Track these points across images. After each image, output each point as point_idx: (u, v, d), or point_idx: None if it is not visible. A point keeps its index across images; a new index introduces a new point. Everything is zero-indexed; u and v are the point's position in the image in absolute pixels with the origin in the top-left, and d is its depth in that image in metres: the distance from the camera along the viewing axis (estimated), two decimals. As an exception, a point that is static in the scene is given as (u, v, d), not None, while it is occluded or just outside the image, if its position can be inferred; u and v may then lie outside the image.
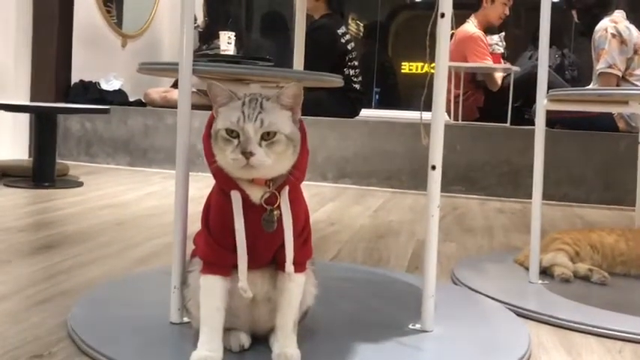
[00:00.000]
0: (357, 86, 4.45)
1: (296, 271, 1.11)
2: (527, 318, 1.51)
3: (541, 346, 1.35)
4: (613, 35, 3.80)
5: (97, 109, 3.67)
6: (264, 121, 1.03)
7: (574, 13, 4.28)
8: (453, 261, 2.06)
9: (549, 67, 5.58)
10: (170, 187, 3.49)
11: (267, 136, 1.03)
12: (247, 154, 1.02)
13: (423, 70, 7.11)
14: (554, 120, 4.15)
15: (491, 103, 4.85)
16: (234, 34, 4.63)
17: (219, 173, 1.08)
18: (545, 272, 1.85)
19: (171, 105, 4.66)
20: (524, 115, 4.93)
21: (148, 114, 4.35)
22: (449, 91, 4.70)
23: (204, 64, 1.29)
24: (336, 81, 1.47)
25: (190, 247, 1.24)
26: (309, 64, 1.86)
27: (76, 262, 1.82)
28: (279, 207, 1.07)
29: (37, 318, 1.34)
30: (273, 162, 1.03)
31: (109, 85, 4.80)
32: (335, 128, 3.98)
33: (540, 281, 1.79)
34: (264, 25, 6.80)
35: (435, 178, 1.32)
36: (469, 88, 4.84)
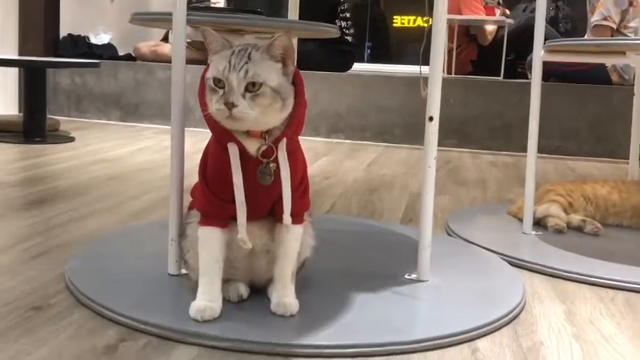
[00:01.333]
0: (350, 38, 4.40)
1: (294, 222, 1.11)
2: (521, 268, 1.53)
3: (535, 294, 1.37)
4: None
5: (86, 63, 3.61)
6: (248, 71, 1.01)
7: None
8: (446, 213, 2.07)
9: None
10: (162, 141, 3.47)
11: (252, 88, 1.01)
12: (229, 105, 1.00)
13: (415, 24, 7.03)
14: (548, 73, 4.13)
15: (484, 56, 4.82)
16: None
17: (214, 125, 1.07)
18: (539, 223, 1.87)
19: (162, 59, 4.60)
20: (517, 68, 4.91)
21: (138, 68, 4.30)
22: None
23: (198, 14, 1.26)
24: (332, 32, 1.45)
25: (187, 199, 1.24)
26: (301, 15, 1.83)
27: (71, 216, 1.82)
28: (275, 160, 1.07)
29: (34, 271, 1.34)
30: (257, 114, 1.01)
31: (98, 39, 4.72)
32: (328, 82, 3.94)
33: (534, 232, 1.81)
34: (255, -22, 6.66)
35: (432, 129, 1.31)
36: (462, 41, 4.80)
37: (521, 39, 4.51)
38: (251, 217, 1.09)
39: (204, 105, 1.06)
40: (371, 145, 3.79)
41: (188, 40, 4.66)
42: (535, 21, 1.67)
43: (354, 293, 1.25)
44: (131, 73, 4.27)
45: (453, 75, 4.56)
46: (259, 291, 1.20)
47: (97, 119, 4.31)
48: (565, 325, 1.21)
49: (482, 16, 4.59)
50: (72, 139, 3.35)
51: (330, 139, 3.83)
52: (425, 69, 1.33)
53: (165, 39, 4.95)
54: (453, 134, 3.83)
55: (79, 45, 4.57)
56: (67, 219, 1.78)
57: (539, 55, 1.70)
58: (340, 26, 4.26)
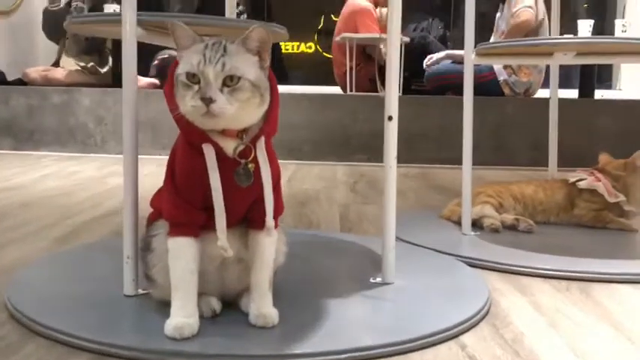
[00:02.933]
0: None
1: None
2: (473, 266, 1.54)
3: (496, 290, 1.38)
4: None
5: (-26, 88, 3.36)
6: (225, 64, 0.96)
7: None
8: (378, 221, 2.07)
9: (434, 38, 5.69)
10: (65, 168, 3.27)
11: (230, 82, 0.96)
12: (207, 100, 0.94)
13: (299, 50, 7.14)
14: (445, 87, 4.30)
15: (381, 74, 4.93)
16: (119, 6, 4.39)
17: (185, 125, 1.00)
18: (475, 224, 1.90)
19: (53, 84, 4.39)
20: (410, 85, 5.07)
21: (31, 93, 4.05)
22: (343, 64, 4.73)
23: (150, 14, 1.18)
24: (283, 34, 1.41)
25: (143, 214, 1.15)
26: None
27: (-11, 245, 1.66)
28: (253, 160, 1.02)
29: (-33, 303, 1.20)
30: (236, 110, 0.96)
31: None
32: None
33: (473, 232, 1.84)
34: None
35: (392, 128, 1.31)
36: (360, 60, 4.89)
37: (412, 57, 4.67)
38: (226, 224, 1.03)
39: (173, 105, 0.99)
40: (282, 163, 3.74)
41: (82, 64, 4.43)
42: (465, 23, 1.72)
43: (326, 300, 1.20)
44: (23, 99, 4.01)
45: (354, 92, 4.62)
46: (230, 305, 1.13)
47: (-13, 149, 4.01)
48: (536, 315, 1.23)
49: (378, 35, 4.70)
50: (-36, 170, 3.09)
51: (240, 159, 3.76)
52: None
53: (56, 64, 4.72)
54: (363, 150, 3.88)
55: (-37, 71, 4.26)
56: (-14, 249, 1.62)
57: (470, 58, 1.75)
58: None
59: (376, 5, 4.86)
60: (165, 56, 4.62)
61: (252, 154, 1.01)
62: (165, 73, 3.89)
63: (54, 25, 4.55)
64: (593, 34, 3.72)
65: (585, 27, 3.36)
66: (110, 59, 4.68)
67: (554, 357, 1.03)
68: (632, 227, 1.94)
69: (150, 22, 1.16)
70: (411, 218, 2.11)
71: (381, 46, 4.70)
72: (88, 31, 1.59)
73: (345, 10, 4.82)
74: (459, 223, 1.97)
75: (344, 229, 1.98)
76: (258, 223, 1.06)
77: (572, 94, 4.54)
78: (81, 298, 1.19)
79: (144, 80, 4.45)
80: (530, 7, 3.96)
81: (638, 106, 4.21)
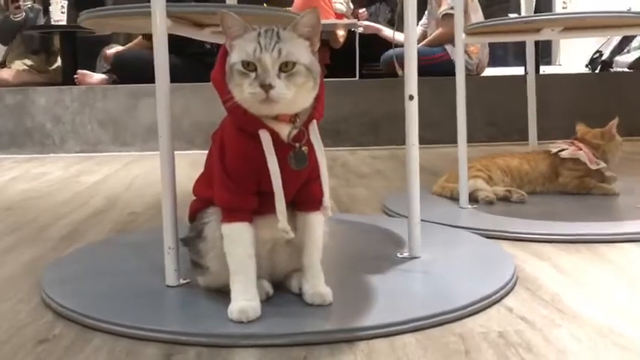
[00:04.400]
0: (209, 46, 4.33)
1: (316, 209, 1.09)
2: (484, 237, 1.60)
3: (515, 257, 1.44)
4: None
5: None
6: (282, 50, 0.97)
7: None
8: (373, 201, 2.13)
9: (383, 21, 5.75)
10: (31, 169, 3.18)
11: (286, 67, 0.98)
12: (266, 87, 0.96)
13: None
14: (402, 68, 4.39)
15: (336, 59, 4.97)
16: (66, 2, 4.29)
17: (241, 114, 1.01)
18: (469, 197, 1.97)
19: (1, 85, 4.24)
20: (362, 69, 5.14)
21: (-20, 95, 3.90)
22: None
23: (180, 5, 1.18)
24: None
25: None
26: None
27: (-6, 250, 1.62)
28: (306, 143, 1.04)
29: (4, 306, 1.18)
30: (293, 95, 0.98)
31: None
32: (198, 94, 3.86)
33: (470, 206, 1.91)
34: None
35: (413, 107, 1.35)
36: (315, 46, 4.90)
37: (364, 42, 4.73)
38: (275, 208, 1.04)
39: (227, 94, 1.00)
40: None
41: (29, 64, 4.30)
42: (455, 3, 1.77)
43: (365, 276, 1.24)
44: (-27, 102, 3.86)
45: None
46: (276, 286, 1.15)
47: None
48: (561, 277, 1.29)
49: (335, 20, 4.74)
50: None
51: (206, 151, 3.73)
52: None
53: (2, 64, 4.56)
54: (327, 135, 3.90)
55: None
56: (-8, 253, 1.58)
57: (460, 37, 1.80)
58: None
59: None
60: (120, 49, 4.54)
61: (305, 138, 1.03)
62: (122, 68, 3.85)
63: (10, 31, 4.46)
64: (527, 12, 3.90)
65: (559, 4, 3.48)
66: (59, 58, 4.57)
67: (595, 312, 1.09)
68: (615, 191, 2.05)
69: (181, 13, 1.15)
70: (405, 196, 2.15)
71: (339, 32, 4.74)
72: (104, 26, 1.55)
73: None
74: (451, 198, 2.04)
75: (342, 211, 2.01)
76: (309, 205, 1.09)
77: (519, 71, 4.72)
78: (125, 292, 1.18)
79: (97, 77, 4.35)
80: (452, 7, 4.12)
81: (579, 79, 4.42)
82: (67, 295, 1.16)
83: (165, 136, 1.20)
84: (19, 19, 4.41)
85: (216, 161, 1.06)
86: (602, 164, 2.07)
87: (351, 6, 4.97)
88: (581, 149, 2.09)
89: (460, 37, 1.79)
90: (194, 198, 1.16)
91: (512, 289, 1.21)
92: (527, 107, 2.27)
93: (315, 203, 1.09)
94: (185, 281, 1.20)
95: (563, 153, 2.10)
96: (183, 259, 1.21)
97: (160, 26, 1.13)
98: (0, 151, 3.82)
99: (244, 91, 0.97)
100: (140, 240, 1.60)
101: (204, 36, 1.38)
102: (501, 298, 1.16)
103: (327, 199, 1.06)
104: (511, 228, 1.61)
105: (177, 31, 1.25)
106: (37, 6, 4.42)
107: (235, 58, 0.99)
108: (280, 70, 0.97)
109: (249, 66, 0.97)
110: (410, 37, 1.33)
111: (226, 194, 1.05)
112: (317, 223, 1.09)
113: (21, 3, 4.36)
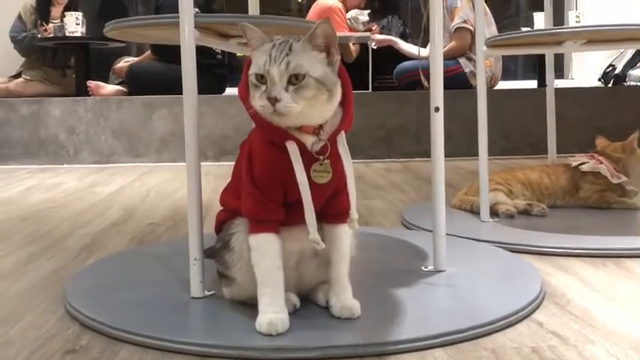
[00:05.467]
0: (220, 57, 4.35)
1: (343, 221, 1.08)
2: (509, 250, 1.58)
3: (541, 271, 1.42)
4: None
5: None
6: (290, 63, 0.96)
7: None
8: (391, 213, 2.12)
9: (395, 35, 5.77)
10: (45, 180, 3.18)
11: (295, 80, 0.97)
12: (272, 100, 0.95)
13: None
14: (413, 83, 4.38)
15: (349, 72, 4.98)
16: (81, 14, 4.31)
17: (265, 124, 1.00)
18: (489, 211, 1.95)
19: (15, 95, 4.28)
20: (374, 82, 5.16)
21: (-3, 106, 3.92)
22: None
23: (207, 15, 1.18)
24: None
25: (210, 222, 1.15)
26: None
27: (13, 261, 1.61)
28: (330, 156, 1.03)
29: (31, 316, 1.17)
30: (302, 108, 0.97)
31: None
32: (209, 105, 3.86)
33: (491, 219, 1.89)
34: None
35: (439, 119, 1.34)
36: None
37: (378, 56, 4.75)
38: (301, 219, 1.03)
39: (249, 105, 1.00)
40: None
41: (44, 75, 4.31)
42: (476, 15, 1.76)
43: (391, 289, 1.23)
44: (-12, 112, 3.88)
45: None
46: (302, 299, 1.14)
47: (-48, 165, 3.86)
48: (590, 291, 1.28)
49: (346, 33, 4.75)
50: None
51: (220, 163, 3.73)
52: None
53: (16, 76, 4.59)
54: (341, 147, 3.90)
55: None
56: (12, 265, 1.57)
57: (482, 50, 1.80)
58: (214, 50, 4.20)
59: (345, 7, 4.92)
60: (133, 60, 4.57)
61: (329, 151, 1.02)
62: (136, 80, 3.88)
63: (33, 47, 4.50)
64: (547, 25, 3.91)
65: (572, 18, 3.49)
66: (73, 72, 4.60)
67: (629, 327, 1.07)
68: (636, 205, 2.03)
69: (208, 23, 1.15)
70: (424, 209, 2.13)
71: (351, 45, 4.76)
72: (130, 37, 1.55)
73: (313, 10, 4.84)
74: (470, 211, 2.02)
75: (361, 224, 1.99)
76: (336, 217, 1.08)
77: (529, 84, 4.71)
78: (150, 303, 1.17)
79: (110, 88, 4.37)
80: (465, 21, 4.17)
81: (593, 93, 4.40)
82: (92, 306, 1.15)
83: (191, 146, 1.19)
84: (46, 35, 4.45)
85: (244, 172, 1.05)
86: (624, 178, 2.06)
87: (367, 18, 4.98)
88: (601, 163, 2.07)
89: (481, 48, 1.78)
90: (220, 208, 1.15)
91: (540, 303, 1.20)
92: (544, 120, 2.25)
93: (343, 215, 1.08)
94: (210, 293, 1.20)
95: (583, 166, 2.09)
96: (207, 270, 1.20)
97: (189, 37, 1.13)
98: (14, 161, 3.84)
99: (257, 104, 0.97)
100: (161, 251, 1.59)
101: (230, 47, 1.38)
102: (531, 312, 1.15)
103: (354, 212, 1.05)
104: (535, 242, 1.60)
105: (204, 42, 1.25)
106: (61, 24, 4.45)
107: (251, 69, 0.99)
108: (289, 82, 0.96)
109: (261, 78, 0.97)
110: (436, 50, 1.32)
111: (254, 205, 1.04)
112: (344, 236, 1.09)
113: (50, 28, 4.41)
